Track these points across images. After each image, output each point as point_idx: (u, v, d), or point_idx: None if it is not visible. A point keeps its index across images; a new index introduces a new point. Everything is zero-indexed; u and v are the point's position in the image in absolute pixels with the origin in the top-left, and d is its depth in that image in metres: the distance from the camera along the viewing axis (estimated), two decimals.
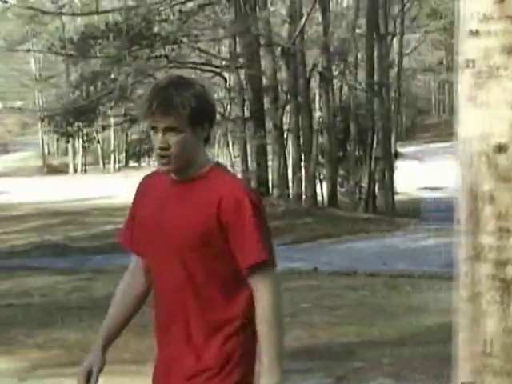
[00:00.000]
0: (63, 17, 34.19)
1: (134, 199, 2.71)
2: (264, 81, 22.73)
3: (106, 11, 26.38)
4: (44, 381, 5.69)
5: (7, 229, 26.18)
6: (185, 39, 24.29)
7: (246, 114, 23.02)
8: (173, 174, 2.54)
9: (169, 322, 2.51)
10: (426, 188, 44.20)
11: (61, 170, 63.00)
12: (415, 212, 32.90)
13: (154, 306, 2.60)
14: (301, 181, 23.21)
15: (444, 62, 77.74)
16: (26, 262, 15.36)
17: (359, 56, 29.23)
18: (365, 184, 26.01)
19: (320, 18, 25.99)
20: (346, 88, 29.97)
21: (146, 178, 2.72)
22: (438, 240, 18.36)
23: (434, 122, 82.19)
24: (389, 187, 28.83)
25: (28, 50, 30.67)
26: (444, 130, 76.18)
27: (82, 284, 10.51)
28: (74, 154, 62.83)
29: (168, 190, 2.54)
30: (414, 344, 6.33)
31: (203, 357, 2.43)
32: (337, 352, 6.14)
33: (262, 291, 2.43)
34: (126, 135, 57.64)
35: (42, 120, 30.57)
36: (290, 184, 24.00)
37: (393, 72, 33.64)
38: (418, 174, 46.85)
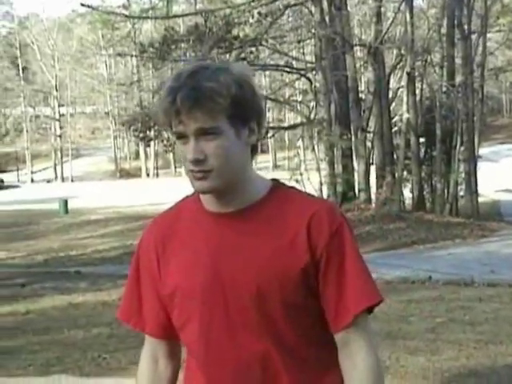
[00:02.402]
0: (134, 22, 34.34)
1: (140, 257, 1.92)
2: (349, 82, 22.21)
3: (189, 14, 26.18)
4: None
5: (88, 233, 26.31)
6: (265, 42, 24.06)
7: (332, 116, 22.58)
8: (210, 203, 1.82)
9: None
10: (503, 190, 43.19)
11: (133, 173, 63.60)
12: (498, 215, 32.04)
13: None
14: (388, 184, 22.63)
15: None
16: (121, 270, 15.17)
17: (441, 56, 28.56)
18: (451, 187, 25.32)
19: (402, 18, 25.40)
20: (426, 88, 29.34)
21: (158, 222, 1.96)
22: None
23: (506, 123, 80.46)
24: (473, 190, 28.09)
25: (109, 55, 30.82)
26: None
27: None
28: (146, 158, 63.35)
29: (210, 231, 1.81)
30: None
31: None
32: (508, 377, 5.65)
33: (363, 354, 1.76)
34: None
35: (123, 125, 30.64)
36: (374, 187, 23.49)
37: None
38: (493, 175, 45.83)
